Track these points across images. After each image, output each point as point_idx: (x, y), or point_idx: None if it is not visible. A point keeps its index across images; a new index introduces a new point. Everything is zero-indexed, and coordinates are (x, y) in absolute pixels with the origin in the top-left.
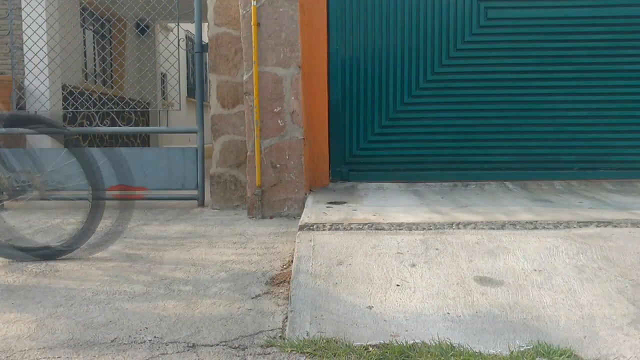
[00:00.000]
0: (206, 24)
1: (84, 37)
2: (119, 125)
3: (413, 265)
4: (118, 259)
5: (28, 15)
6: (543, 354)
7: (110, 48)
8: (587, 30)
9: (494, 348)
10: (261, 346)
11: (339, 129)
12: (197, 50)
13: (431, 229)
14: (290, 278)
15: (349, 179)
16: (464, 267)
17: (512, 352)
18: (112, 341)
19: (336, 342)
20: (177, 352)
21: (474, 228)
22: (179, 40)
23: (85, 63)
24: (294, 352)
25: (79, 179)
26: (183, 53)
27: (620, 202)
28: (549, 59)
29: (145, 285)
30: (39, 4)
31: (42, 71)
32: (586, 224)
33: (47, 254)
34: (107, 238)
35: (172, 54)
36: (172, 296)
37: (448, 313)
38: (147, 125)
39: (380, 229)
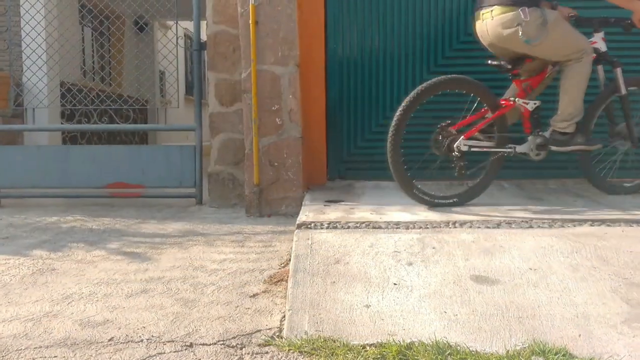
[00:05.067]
0: (205, 22)
1: (82, 34)
2: (117, 123)
3: (410, 264)
4: (115, 257)
5: (26, 12)
6: (539, 353)
7: (109, 45)
8: (588, 31)
9: (490, 347)
10: (259, 345)
11: (337, 127)
12: (195, 48)
13: (428, 228)
14: (288, 277)
15: (346, 177)
16: (460, 265)
17: (508, 350)
18: (109, 340)
19: (334, 341)
20: (175, 351)
21: (470, 227)
22: (177, 38)
23: (84, 60)
24: (291, 351)
25: None
26: (181, 51)
27: (613, 201)
28: None
29: (142, 283)
30: (38, 0)
31: (40, 68)
32: (580, 222)
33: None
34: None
35: (170, 51)
36: (169, 295)
37: (445, 312)
38: (146, 122)
39: (378, 228)
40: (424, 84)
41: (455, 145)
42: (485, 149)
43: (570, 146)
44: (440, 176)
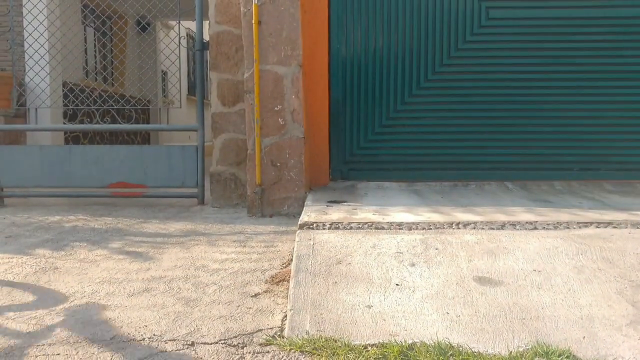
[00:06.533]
0: (207, 22)
1: (84, 34)
2: (120, 123)
3: (413, 265)
4: (117, 256)
5: (29, 12)
6: (542, 354)
7: (111, 45)
8: (588, 31)
9: (492, 348)
10: (260, 344)
11: (340, 127)
12: (198, 48)
13: (431, 229)
14: (289, 277)
15: (349, 178)
16: (463, 267)
17: (511, 352)
18: (111, 339)
19: (335, 341)
20: (176, 350)
21: (474, 228)
22: (179, 38)
23: (86, 60)
24: (293, 350)
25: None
26: (184, 51)
27: (619, 203)
28: (550, 59)
29: (144, 282)
30: (40, 0)
31: (42, 68)
32: (586, 224)
33: None
34: None
35: (172, 51)
36: (171, 294)
37: (447, 313)
38: (148, 122)
39: (380, 228)
40: None
41: None
42: None
43: None
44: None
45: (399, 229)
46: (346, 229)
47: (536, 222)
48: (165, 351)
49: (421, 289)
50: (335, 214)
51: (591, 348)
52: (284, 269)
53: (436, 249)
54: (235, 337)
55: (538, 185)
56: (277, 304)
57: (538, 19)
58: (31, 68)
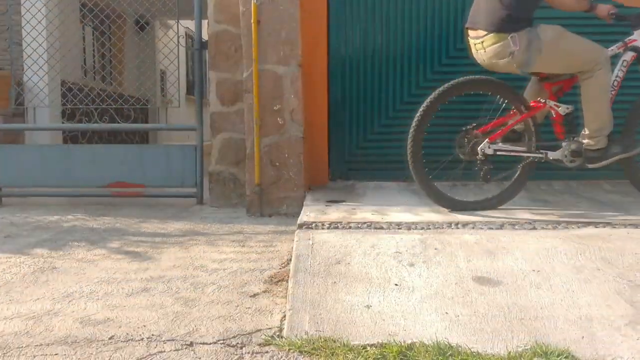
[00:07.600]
0: (206, 21)
1: (83, 33)
2: (118, 122)
3: (412, 265)
4: (116, 256)
5: (27, 10)
6: (540, 354)
7: (110, 44)
8: (589, 31)
9: (491, 348)
10: (259, 345)
11: (339, 127)
12: (196, 48)
13: (430, 229)
14: (288, 277)
15: (348, 177)
16: (462, 266)
17: (510, 352)
18: (109, 338)
19: (334, 341)
20: (175, 350)
21: (473, 228)
22: (178, 37)
23: (85, 59)
24: (292, 350)
25: None
26: (183, 50)
27: (618, 203)
28: None
29: (143, 282)
30: None
31: (41, 67)
32: (585, 224)
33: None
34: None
35: (171, 51)
36: (170, 294)
37: (446, 313)
38: (146, 122)
39: (379, 228)
40: (446, 85)
41: (479, 148)
42: (513, 154)
43: (605, 161)
44: (465, 179)
45: (398, 228)
46: (345, 228)
47: (535, 221)
48: (164, 351)
49: (420, 289)
50: (335, 213)
51: (590, 348)
52: (283, 269)
53: (435, 248)
54: (234, 337)
55: (537, 185)
56: (276, 304)
57: (538, 18)
58: (29, 67)
